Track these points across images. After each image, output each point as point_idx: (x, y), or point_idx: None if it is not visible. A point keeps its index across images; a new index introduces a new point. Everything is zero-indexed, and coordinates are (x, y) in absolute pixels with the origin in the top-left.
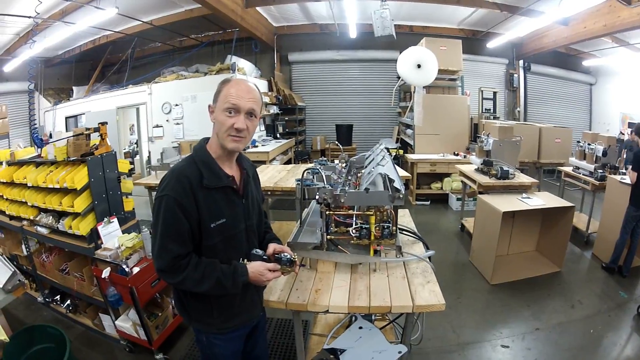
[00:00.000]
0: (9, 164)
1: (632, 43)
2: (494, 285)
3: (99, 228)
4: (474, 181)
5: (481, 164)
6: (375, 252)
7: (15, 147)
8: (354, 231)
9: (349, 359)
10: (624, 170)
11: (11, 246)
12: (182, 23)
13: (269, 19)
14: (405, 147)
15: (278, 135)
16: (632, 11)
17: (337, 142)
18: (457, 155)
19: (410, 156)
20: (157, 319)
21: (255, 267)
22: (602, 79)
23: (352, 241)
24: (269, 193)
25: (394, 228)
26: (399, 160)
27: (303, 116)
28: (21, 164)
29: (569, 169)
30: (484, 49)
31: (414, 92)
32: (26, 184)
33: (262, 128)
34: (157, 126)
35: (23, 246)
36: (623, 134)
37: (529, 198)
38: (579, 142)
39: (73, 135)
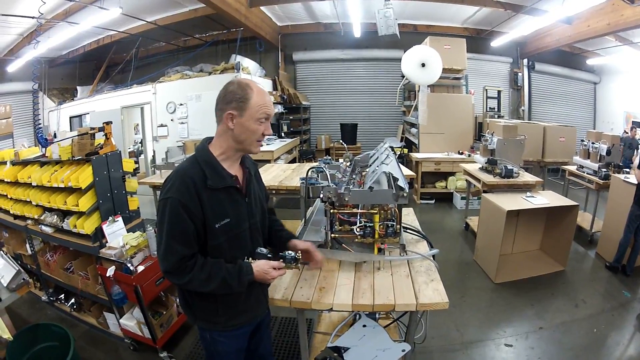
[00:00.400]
0: (13, 163)
1: (635, 42)
2: (498, 284)
3: (104, 227)
4: (478, 180)
5: (485, 163)
6: (379, 250)
7: (20, 147)
8: (358, 229)
9: (352, 357)
10: (628, 170)
11: (15, 245)
12: (186, 23)
13: (273, 18)
14: (410, 146)
15: (282, 135)
16: (636, 10)
17: (341, 141)
18: (462, 154)
19: (415, 155)
20: (161, 317)
21: (260, 266)
22: (606, 77)
23: (356, 239)
24: (274, 192)
25: (398, 226)
26: (403, 159)
27: (307, 115)
28: (25, 163)
29: (573, 168)
30: (488, 48)
31: (418, 91)
32: (30, 184)
33: None
34: (162, 125)
35: (27, 245)
36: (627, 133)
37: (533, 197)
38: (582, 140)
39: (78, 135)
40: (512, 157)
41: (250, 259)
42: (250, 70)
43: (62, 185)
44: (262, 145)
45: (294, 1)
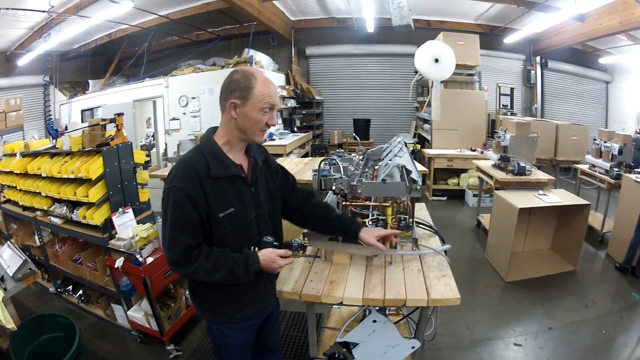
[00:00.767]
0: (23, 155)
1: None
2: (509, 283)
3: (114, 218)
4: (490, 177)
5: (498, 160)
6: (391, 244)
7: (30, 139)
8: (370, 222)
9: (361, 353)
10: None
11: (24, 237)
12: (199, 17)
13: (286, 12)
14: (423, 142)
15: (295, 129)
16: None
17: (355, 135)
18: (474, 151)
19: (428, 151)
20: (169, 309)
21: (266, 254)
22: (618, 77)
23: None
24: None
25: (411, 220)
26: (416, 155)
27: (320, 110)
28: (36, 155)
29: (585, 167)
30: (501, 45)
31: (431, 86)
32: (40, 175)
33: (280, 121)
34: (174, 119)
35: (36, 237)
36: (638, 134)
37: (545, 195)
38: (595, 139)
39: (89, 126)
40: (524, 154)
41: (256, 248)
42: (263, 64)
43: (72, 176)
44: (265, 134)
45: None
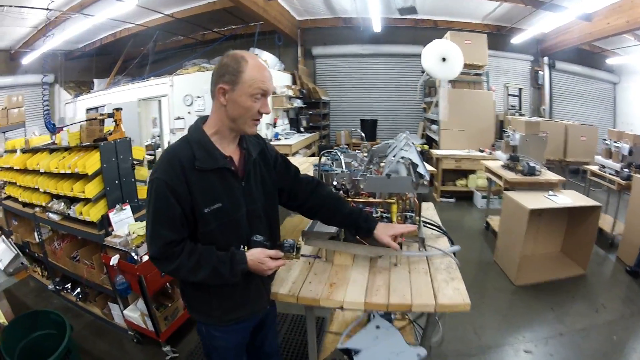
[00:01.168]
0: (24, 151)
1: None
2: (518, 286)
3: (110, 215)
4: (499, 177)
5: (507, 160)
6: (399, 244)
7: (31, 135)
8: None
9: None
10: None
11: (24, 233)
12: (205, 16)
13: (292, 12)
14: (430, 143)
15: (302, 129)
16: None
17: (359, 130)
18: (483, 151)
19: (436, 152)
20: (166, 310)
21: (254, 255)
22: (626, 77)
23: None
24: None
25: (418, 218)
26: (424, 156)
27: (327, 110)
28: (35, 151)
29: (595, 168)
30: (508, 45)
31: (439, 86)
32: (39, 171)
33: (286, 121)
34: (179, 118)
35: (35, 233)
36: None
37: (555, 196)
38: (604, 139)
39: (86, 120)
40: (534, 154)
41: (246, 247)
42: (268, 64)
43: (69, 172)
44: (257, 124)
45: None
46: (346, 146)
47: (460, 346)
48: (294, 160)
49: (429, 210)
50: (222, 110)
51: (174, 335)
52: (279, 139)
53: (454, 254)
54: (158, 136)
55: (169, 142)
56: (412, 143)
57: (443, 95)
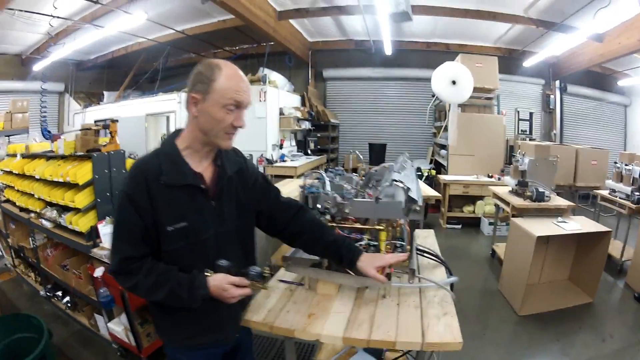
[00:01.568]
0: (23, 156)
1: None
2: (523, 317)
3: (99, 226)
4: (507, 203)
5: (516, 185)
6: (387, 275)
7: (32, 141)
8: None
9: None
10: None
11: (20, 237)
12: (216, 34)
13: (303, 33)
14: (439, 168)
15: (309, 152)
16: None
17: (359, 156)
18: (491, 177)
19: (443, 177)
20: (149, 326)
21: (217, 280)
22: (636, 99)
23: None
24: None
25: (408, 247)
26: (431, 181)
27: (336, 133)
28: (34, 157)
29: (605, 192)
30: (520, 69)
31: (448, 110)
32: (35, 177)
33: (293, 143)
34: None
35: (30, 239)
36: None
37: (565, 222)
38: (615, 162)
39: (81, 130)
40: (543, 179)
41: (211, 271)
42: (277, 84)
43: (61, 180)
44: (232, 139)
45: (323, 15)
46: (341, 168)
47: None
48: (295, 182)
49: (428, 239)
50: (194, 122)
51: (156, 353)
52: (285, 161)
53: (452, 286)
54: None
55: None
56: (412, 165)
57: (452, 120)
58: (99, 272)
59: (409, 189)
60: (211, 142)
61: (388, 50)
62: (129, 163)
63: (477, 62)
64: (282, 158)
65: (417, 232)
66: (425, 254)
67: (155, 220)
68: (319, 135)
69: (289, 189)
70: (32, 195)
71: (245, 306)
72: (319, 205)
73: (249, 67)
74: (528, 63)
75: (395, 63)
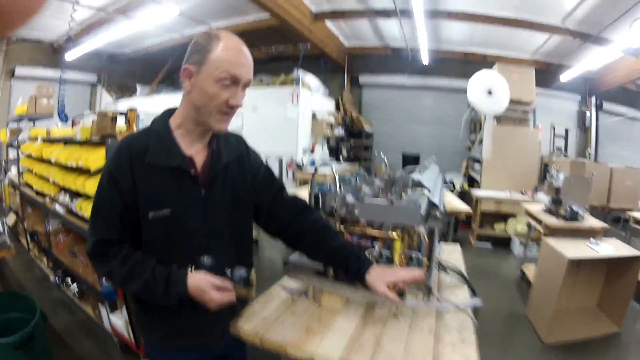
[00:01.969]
0: (44, 140)
1: None
2: (548, 345)
3: None
4: (539, 222)
5: (550, 202)
6: (399, 292)
7: (54, 126)
8: (370, 257)
9: None
10: None
11: (35, 221)
12: (251, 33)
13: (340, 37)
14: (472, 183)
15: (341, 159)
16: None
17: (384, 159)
18: (525, 194)
19: (476, 192)
20: None
21: (198, 280)
22: None
23: None
24: None
25: (426, 259)
26: (464, 196)
27: (370, 142)
28: (53, 141)
29: (638, 214)
30: (556, 83)
31: (483, 122)
32: (51, 161)
33: (325, 149)
34: None
35: (45, 223)
36: None
37: (597, 244)
38: None
39: (98, 115)
40: (578, 197)
41: (193, 268)
42: (311, 87)
43: (74, 165)
44: (227, 121)
45: (358, 17)
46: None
47: None
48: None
49: (453, 254)
50: (187, 98)
51: None
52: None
53: (474, 309)
54: None
55: None
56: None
57: (487, 132)
58: None
59: (428, 190)
60: (203, 122)
61: (425, 59)
62: None
63: (513, 74)
64: (312, 163)
65: (443, 246)
66: (446, 270)
67: (137, 204)
68: (352, 142)
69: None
70: (48, 179)
71: (237, 312)
72: (326, 206)
73: (284, 69)
74: (565, 77)
75: (431, 72)
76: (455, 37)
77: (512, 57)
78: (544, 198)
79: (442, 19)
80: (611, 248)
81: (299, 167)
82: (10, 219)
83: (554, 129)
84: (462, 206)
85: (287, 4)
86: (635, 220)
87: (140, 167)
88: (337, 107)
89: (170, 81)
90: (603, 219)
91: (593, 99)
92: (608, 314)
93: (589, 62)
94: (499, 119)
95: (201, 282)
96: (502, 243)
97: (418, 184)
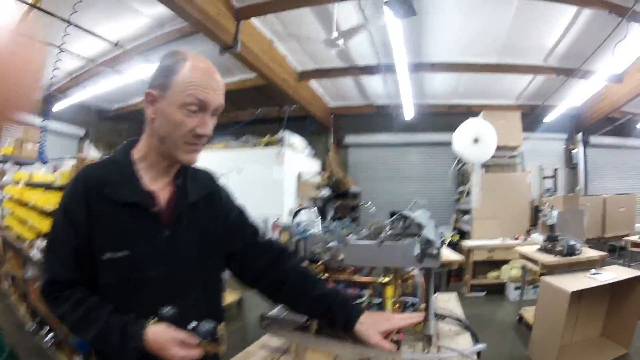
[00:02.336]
0: (27, 184)
1: None
2: None
3: None
4: (535, 262)
5: (544, 241)
6: (395, 342)
7: (37, 170)
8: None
9: None
10: None
11: (14, 265)
12: (237, 94)
13: (325, 97)
14: (463, 235)
15: (328, 219)
16: None
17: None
18: (517, 239)
19: (467, 243)
20: None
21: (159, 334)
22: None
23: None
24: None
25: (424, 306)
26: (454, 247)
27: (357, 201)
28: (35, 185)
29: (635, 238)
30: (541, 125)
31: (471, 172)
32: (29, 204)
33: (312, 210)
34: None
35: (22, 268)
36: None
37: (598, 274)
38: None
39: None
40: (574, 230)
41: (155, 319)
42: (297, 147)
43: (51, 209)
44: (195, 151)
45: (343, 75)
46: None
47: None
48: None
49: (449, 303)
50: (151, 126)
51: None
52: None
53: (478, 355)
54: None
55: None
56: (443, 236)
57: (476, 181)
58: None
59: (421, 225)
60: (169, 154)
61: (409, 114)
62: None
63: (499, 119)
64: (298, 225)
65: (438, 295)
66: (445, 317)
67: (92, 243)
68: (339, 203)
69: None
70: (27, 223)
71: None
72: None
73: (269, 130)
74: (549, 118)
75: (416, 127)
76: (439, 89)
77: (496, 105)
78: (538, 238)
79: (425, 72)
80: (612, 274)
81: (286, 228)
82: None
83: (542, 170)
84: (453, 256)
85: (273, 63)
86: (634, 243)
87: (96, 201)
88: (323, 168)
89: None
90: (600, 249)
91: (579, 136)
92: (614, 339)
93: (573, 98)
94: (487, 167)
95: (162, 336)
96: (496, 290)
97: (409, 226)
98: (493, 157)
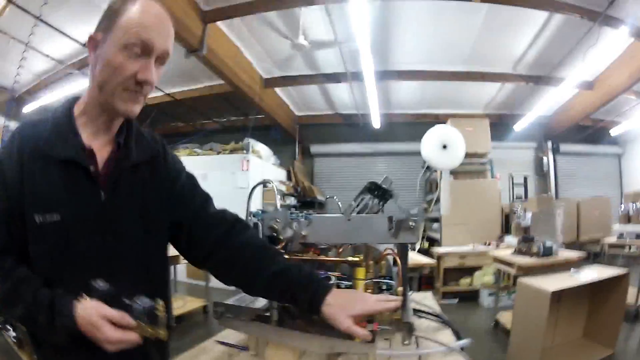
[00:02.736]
0: None
1: None
2: None
3: None
4: (510, 265)
5: (519, 243)
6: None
7: None
8: None
9: None
10: None
11: None
12: (202, 100)
13: (290, 105)
14: (432, 242)
15: None
16: None
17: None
18: (488, 245)
19: (437, 249)
20: None
21: (89, 310)
22: (630, 146)
23: None
24: None
25: (400, 288)
26: (425, 253)
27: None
28: None
29: (612, 239)
30: (511, 134)
31: (440, 179)
32: None
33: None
34: None
35: None
36: None
37: (578, 273)
38: (621, 204)
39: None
40: (548, 232)
41: (85, 295)
42: (262, 155)
43: None
44: (136, 101)
45: (309, 83)
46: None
47: None
48: None
49: (426, 300)
50: (92, 75)
51: None
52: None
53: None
54: None
55: None
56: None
57: (444, 188)
58: None
59: (391, 193)
60: (107, 103)
61: (376, 124)
62: None
63: (467, 127)
64: (256, 215)
65: (412, 295)
66: (422, 313)
67: (22, 205)
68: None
69: None
70: None
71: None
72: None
73: (235, 139)
74: (519, 126)
75: (384, 137)
76: (406, 98)
77: (464, 114)
78: (512, 241)
79: (392, 80)
80: (594, 273)
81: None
82: None
83: (512, 178)
84: (424, 260)
85: (239, 69)
86: (610, 245)
87: (31, 157)
88: (289, 177)
89: None
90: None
91: (549, 144)
92: (598, 340)
93: (543, 106)
94: (456, 173)
95: (93, 313)
96: (469, 297)
97: (381, 195)
98: (462, 164)
